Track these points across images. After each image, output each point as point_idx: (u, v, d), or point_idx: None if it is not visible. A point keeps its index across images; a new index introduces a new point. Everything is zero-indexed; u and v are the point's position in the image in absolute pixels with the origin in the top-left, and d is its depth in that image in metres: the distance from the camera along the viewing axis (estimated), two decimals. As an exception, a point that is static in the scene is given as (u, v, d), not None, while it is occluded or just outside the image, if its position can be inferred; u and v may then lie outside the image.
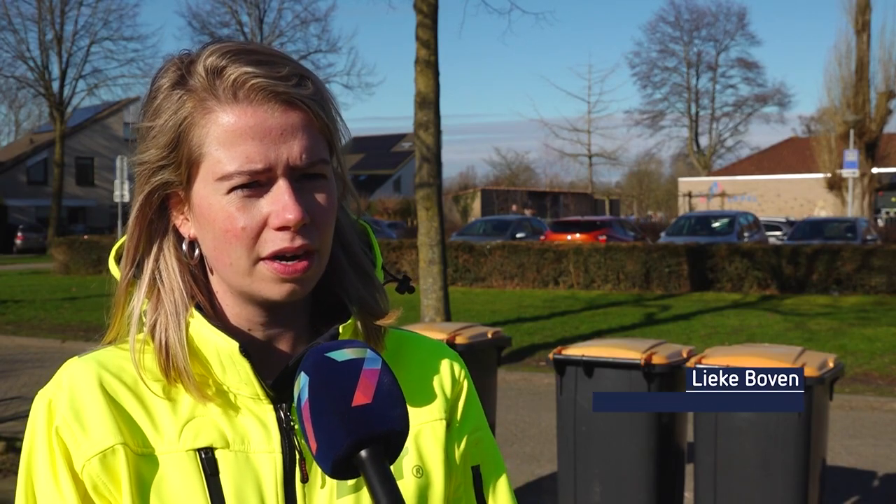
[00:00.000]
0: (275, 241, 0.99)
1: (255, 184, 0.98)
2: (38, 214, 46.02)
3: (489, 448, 1.17)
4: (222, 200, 0.99)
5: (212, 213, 1.00)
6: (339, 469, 0.86)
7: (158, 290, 1.04)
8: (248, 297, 1.03)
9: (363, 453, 0.85)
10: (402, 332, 1.19)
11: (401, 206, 44.91)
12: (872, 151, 31.58)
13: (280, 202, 0.98)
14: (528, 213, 43.48)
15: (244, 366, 1.01)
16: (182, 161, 1.00)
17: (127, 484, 0.98)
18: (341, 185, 1.08)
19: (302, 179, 1.00)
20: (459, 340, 5.46)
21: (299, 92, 0.99)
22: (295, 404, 0.90)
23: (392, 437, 0.87)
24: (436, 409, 1.12)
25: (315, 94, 1.01)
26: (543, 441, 7.63)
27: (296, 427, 1.03)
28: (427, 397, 1.12)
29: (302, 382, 0.88)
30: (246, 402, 1.04)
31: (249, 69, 0.98)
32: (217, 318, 1.05)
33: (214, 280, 1.06)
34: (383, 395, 0.88)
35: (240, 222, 0.98)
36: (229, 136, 0.98)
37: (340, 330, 1.05)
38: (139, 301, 1.05)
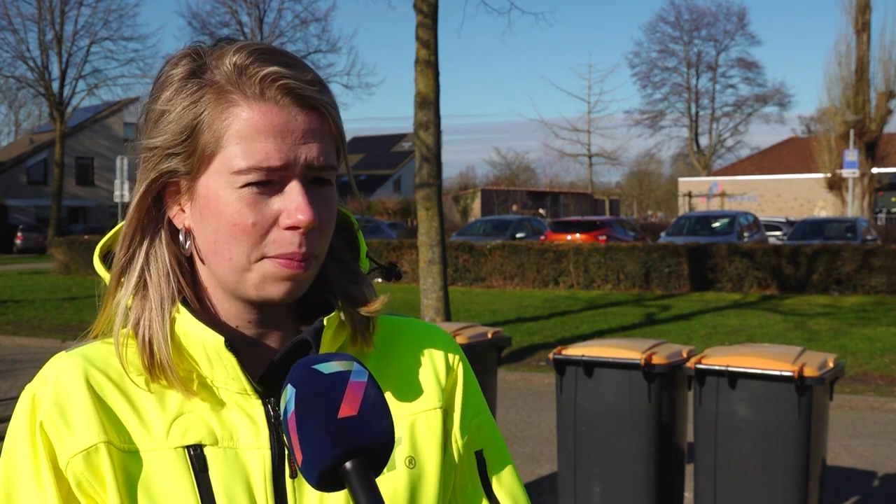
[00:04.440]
0: (282, 242, 0.99)
1: (269, 182, 0.99)
2: (38, 214, 46.05)
3: (491, 432, 1.17)
4: (233, 195, 0.99)
5: (220, 206, 1.00)
6: (325, 481, 0.86)
7: (146, 282, 1.04)
8: (241, 294, 1.03)
9: (348, 465, 0.85)
10: (398, 318, 1.19)
11: (401, 206, 44.92)
12: (872, 151, 31.59)
13: (294, 202, 0.99)
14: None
15: (230, 360, 1.01)
16: (195, 151, 1.00)
17: (113, 482, 0.97)
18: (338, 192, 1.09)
19: (311, 184, 1.01)
20: (459, 340, 5.46)
21: (322, 98, 1.01)
22: (281, 416, 0.90)
23: (377, 448, 0.87)
24: (430, 398, 1.12)
25: (333, 102, 1.03)
26: (543, 441, 7.63)
27: None
28: (421, 387, 1.12)
29: (288, 395, 0.89)
30: (234, 397, 1.04)
31: (279, 69, 0.99)
32: (204, 313, 1.05)
33: (205, 274, 1.06)
34: (369, 407, 0.88)
35: (250, 218, 0.99)
36: (251, 132, 0.98)
37: (325, 322, 1.05)
38: (126, 293, 1.05)
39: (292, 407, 0.87)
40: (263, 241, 0.99)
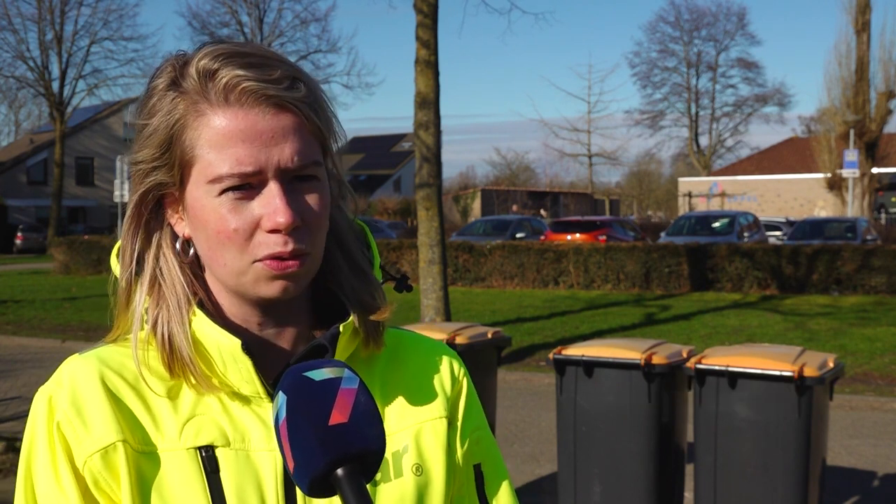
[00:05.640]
0: (268, 244, 0.99)
1: (247, 186, 0.99)
2: (38, 214, 46.05)
3: (490, 447, 1.18)
4: (214, 202, 1.00)
5: (204, 214, 1.01)
6: (317, 488, 0.86)
7: (160, 285, 1.05)
8: (243, 295, 1.04)
9: (340, 472, 0.86)
10: (402, 331, 1.20)
11: (401, 206, 44.89)
12: (872, 151, 31.59)
13: (271, 205, 0.99)
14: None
15: (246, 363, 1.02)
16: (175, 162, 1.01)
17: (127, 481, 0.98)
18: (336, 186, 1.09)
19: (294, 181, 1.01)
20: (459, 340, 5.46)
21: (291, 95, 1.00)
22: (273, 423, 0.90)
23: (368, 455, 0.87)
24: (436, 408, 1.13)
25: (307, 96, 1.01)
26: (543, 441, 7.62)
27: None
28: (427, 396, 1.13)
29: (279, 402, 0.89)
30: (246, 399, 1.05)
31: (241, 72, 0.99)
32: (217, 315, 1.06)
33: (210, 278, 1.07)
34: (359, 414, 0.88)
35: (231, 224, 0.99)
36: (220, 138, 0.98)
37: (341, 329, 1.06)
38: (141, 298, 1.06)
39: (283, 414, 0.88)
40: (250, 245, 1.00)
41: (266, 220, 0.99)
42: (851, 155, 29.51)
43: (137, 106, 1.06)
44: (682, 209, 48.55)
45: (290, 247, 0.99)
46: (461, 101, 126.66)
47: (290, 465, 0.87)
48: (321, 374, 0.90)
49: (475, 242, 20.70)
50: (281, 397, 0.89)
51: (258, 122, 0.98)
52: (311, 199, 1.01)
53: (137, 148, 1.04)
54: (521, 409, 8.98)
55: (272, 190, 0.99)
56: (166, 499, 0.99)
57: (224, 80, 0.99)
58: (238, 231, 0.99)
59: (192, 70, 1.01)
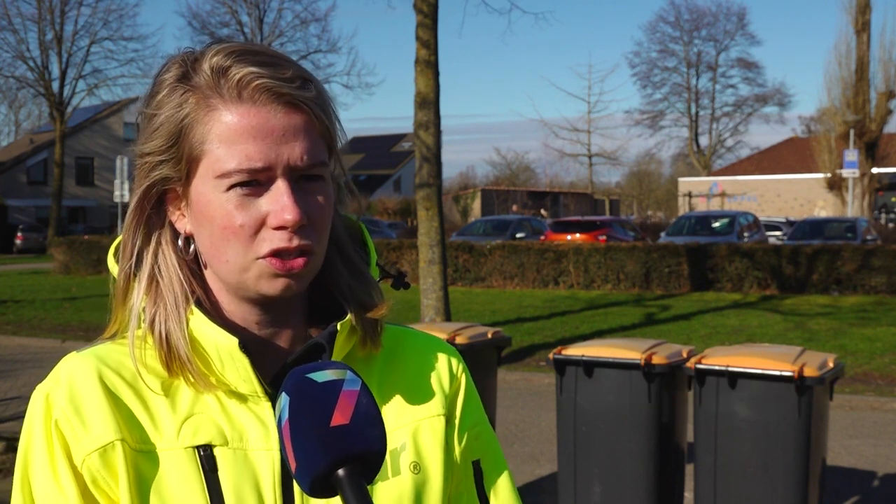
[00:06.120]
0: (273, 240, 1.00)
1: (255, 182, 0.99)
2: (38, 214, 46.06)
3: (489, 442, 1.18)
4: (221, 198, 1.00)
5: (210, 209, 1.01)
6: (318, 488, 0.87)
7: (158, 283, 1.05)
8: (244, 293, 1.04)
9: (340, 472, 0.87)
10: (400, 328, 1.20)
11: (401, 206, 44.89)
12: (872, 151, 31.59)
13: (279, 202, 0.99)
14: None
15: (243, 362, 1.02)
16: (182, 157, 1.01)
17: (125, 480, 0.98)
18: (336, 188, 1.09)
19: (301, 180, 1.01)
20: (459, 340, 5.46)
21: (303, 94, 1.00)
22: (276, 424, 0.91)
23: (369, 456, 0.88)
24: (434, 406, 1.13)
25: (317, 97, 1.02)
26: (543, 441, 7.62)
27: None
28: (425, 393, 1.13)
29: (282, 403, 0.90)
30: (244, 398, 1.05)
31: (255, 69, 0.99)
32: (215, 314, 1.06)
33: (210, 277, 1.07)
34: (361, 415, 0.89)
35: (238, 220, 0.99)
36: (231, 134, 0.99)
37: (339, 327, 1.06)
38: (139, 295, 1.06)
39: (286, 415, 0.88)
40: (255, 241, 1.00)
41: (273, 216, 0.99)
42: (851, 155, 29.51)
43: (144, 99, 1.06)
44: (682, 209, 48.55)
45: (294, 242, 1.00)
46: (461, 101, 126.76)
47: (293, 466, 0.88)
48: (324, 375, 0.91)
49: (475, 242, 20.69)
50: (284, 398, 0.90)
51: (270, 120, 0.99)
52: (317, 199, 1.02)
53: (144, 140, 1.04)
54: (521, 409, 8.98)
55: (280, 187, 0.99)
56: (165, 498, 0.99)
57: (238, 77, 0.99)
58: (244, 227, 0.99)
59: (205, 66, 1.01)
